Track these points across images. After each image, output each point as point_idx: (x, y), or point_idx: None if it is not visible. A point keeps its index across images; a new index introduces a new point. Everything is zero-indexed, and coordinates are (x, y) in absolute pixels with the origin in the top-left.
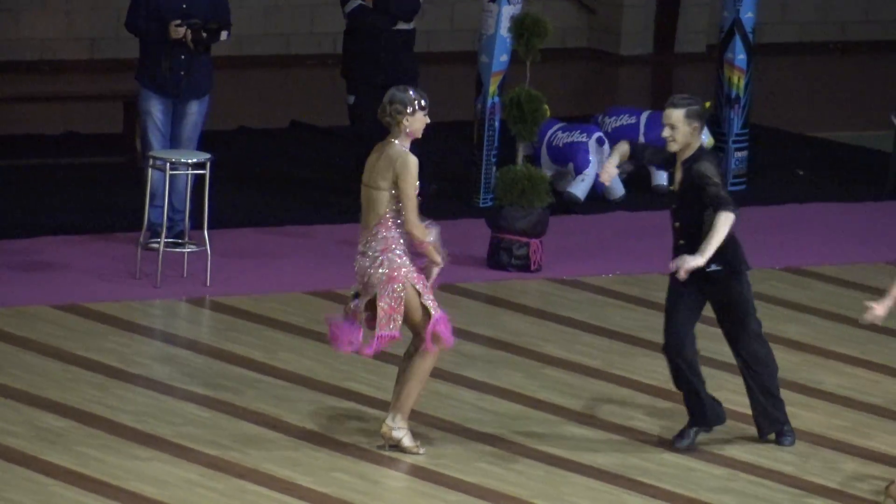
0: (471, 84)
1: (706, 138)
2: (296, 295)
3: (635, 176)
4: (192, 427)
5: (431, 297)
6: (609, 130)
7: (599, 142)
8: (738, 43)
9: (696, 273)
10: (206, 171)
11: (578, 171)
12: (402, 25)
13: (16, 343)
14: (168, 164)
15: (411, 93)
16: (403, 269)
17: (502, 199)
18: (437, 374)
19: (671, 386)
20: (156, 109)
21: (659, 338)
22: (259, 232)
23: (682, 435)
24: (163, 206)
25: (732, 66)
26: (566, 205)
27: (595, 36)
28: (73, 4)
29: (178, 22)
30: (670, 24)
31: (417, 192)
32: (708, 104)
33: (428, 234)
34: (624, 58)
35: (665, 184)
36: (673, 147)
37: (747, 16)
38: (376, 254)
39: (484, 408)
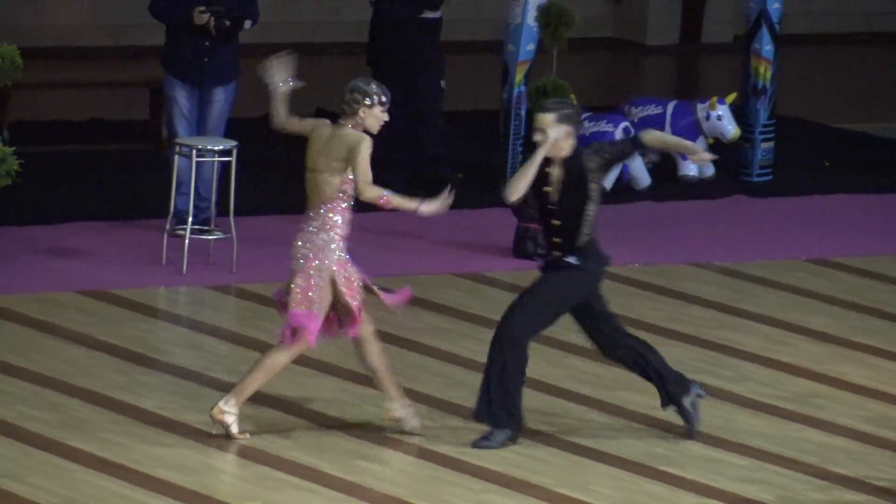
0: (497, 73)
1: (733, 129)
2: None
3: (661, 166)
4: (204, 415)
5: (355, 297)
6: (635, 120)
7: (626, 131)
8: (764, 33)
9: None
10: (233, 159)
11: None
12: (427, 14)
13: (41, 329)
14: (194, 152)
15: (373, 86)
16: (334, 257)
17: None
18: (461, 361)
19: (695, 375)
20: (181, 96)
21: (683, 326)
22: (285, 219)
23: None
24: (189, 194)
25: (759, 56)
26: None
27: (621, 25)
28: None
29: (202, 8)
30: (697, 14)
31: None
32: (734, 95)
33: (381, 190)
34: (650, 48)
35: (693, 173)
36: (550, 152)
37: (774, 6)
38: (312, 232)
39: None
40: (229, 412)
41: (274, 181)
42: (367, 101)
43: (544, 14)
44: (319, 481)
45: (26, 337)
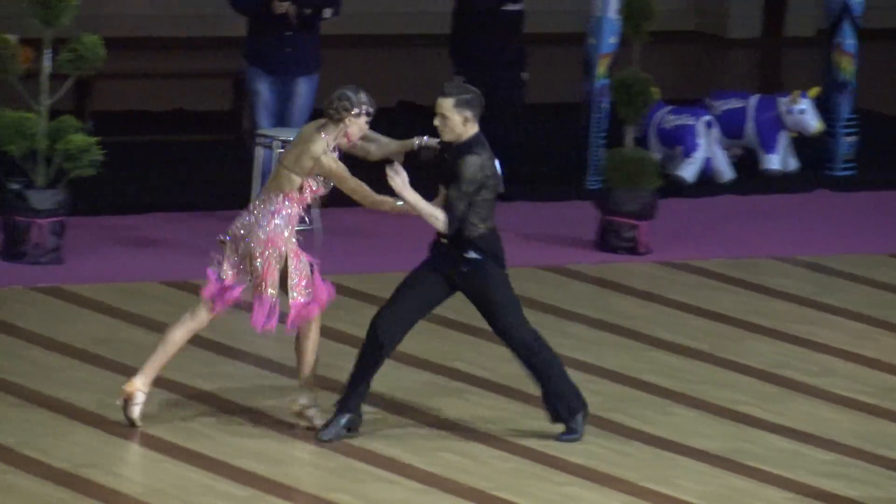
0: (579, 66)
1: (816, 123)
2: (404, 275)
3: (744, 159)
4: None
5: (302, 284)
6: (718, 114)
7: (708, 125)
8: (846, 28)
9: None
10: None
11: (687, 153)
12: (510, 6)
13: (125, 319)
14: (276, 142)
15: (363, 95)
16: (290, 243)
17: (611, 181)
18: None
19: (778, 369)
20: (263, 87)
21: (766, 320)
22: (368, 211)
23: None
24: None
25: (842, 51)
26: (675, 187)
27: (703, 19)
28: None
29: None
30: (779, 7)
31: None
32: (816, 89)
33: (391, 203)
34: (732, 41)
35: (776, 167)
36: (446, 137)
37: (856, 0)
38: (266, 213)
39: (592, 389)
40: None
41: (357, 172)
42: (355, 111)
43: (626, 7)
44: (402, 473)
45: (110, 327)
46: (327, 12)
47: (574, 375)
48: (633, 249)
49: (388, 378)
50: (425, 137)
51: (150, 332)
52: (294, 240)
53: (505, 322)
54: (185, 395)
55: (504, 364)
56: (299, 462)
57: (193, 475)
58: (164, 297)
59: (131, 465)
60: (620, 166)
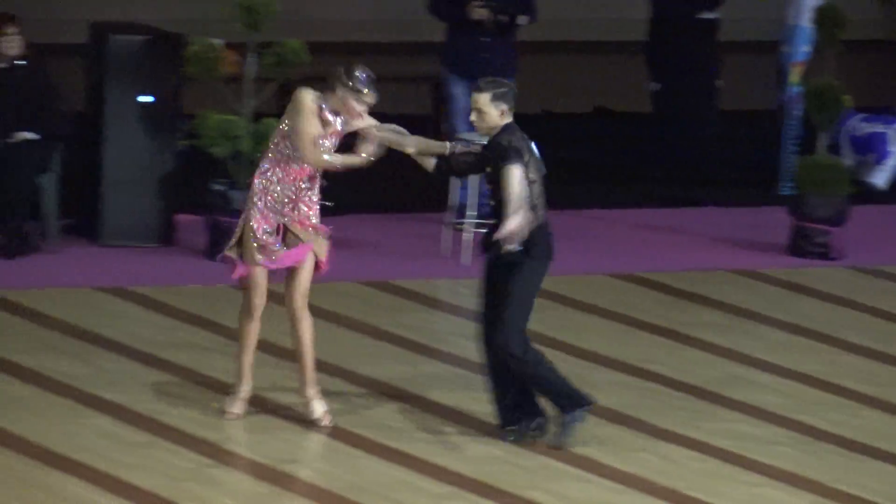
0: (772, 74)
1: None
2: (598, 277)
3: None
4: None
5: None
6: None
7: None
8: None
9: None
10: None
11: (879, 160)
12: (705, 14)
13: (325, 318)
14: (473, 146)
15: (363, 75)
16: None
17: (803, 187)
18: (737, 357)
19: None
20: (460, 93)
21: None
22: (560, 214)
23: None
24: (469, 188)
25: None
26: (867, 193)
27: (894, 27)
28: None
29: (479, 3)
30: None
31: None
32: None
33: (327, 157)
34: None
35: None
36: (482, 130)
37: None
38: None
39: (783, 392)
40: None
41: (551, 177)
42: (346, 80)
43: (820, 15)
44: (597, 471)
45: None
46: (522, 19)
47: (764, 378)
48: (824, 254)
49: (583, 378)
50: (458, 145)
51: (350, 331)
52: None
53: (505, 315)
54: (385, 393)
55: (697, 366)
56: (496, 460)
57: (393, 471)
58: (365, 297)
59: (332, 462)
60: (813, 173)
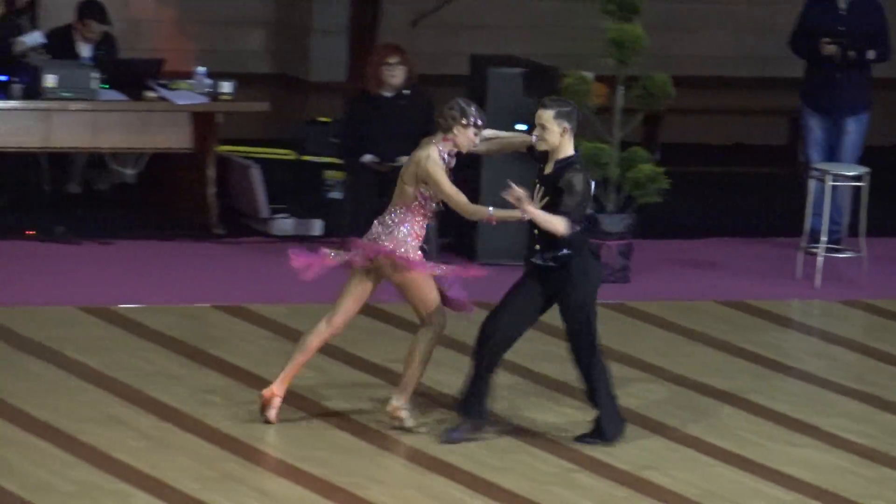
0: None
1: None
2: None
3: None
4: (843, 419)
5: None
6: None
7: None
8: None
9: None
10: (864, 184)
11: None
12: None
13: (684, 334)
14: (828, 177)
15: (473, 108)
16: (413, 251)
17: None
18: None
19: None
20: (815, 125)
21: None
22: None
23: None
24: (822, 215)
25: None
26: None
27: None
28: (744, 26)
29: (828, 40)
30: None
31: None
32: None
33: (486, 212)
34: None
35: None
36: (542, 146)
37: None
38: (392, 224)
39: None
40: (402, 408)
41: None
42: (463, 121)
43: None
44: None
45: (669, 341)
46: (871, 54)
47: None
48: None
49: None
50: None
51: (708, 348)
52: (419, 250)
53: (576, 324)
54: (737, 405)
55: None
56: (841, 470)
57: (746, 480)
58: (721, 315)
59: (689, 469)
60: None
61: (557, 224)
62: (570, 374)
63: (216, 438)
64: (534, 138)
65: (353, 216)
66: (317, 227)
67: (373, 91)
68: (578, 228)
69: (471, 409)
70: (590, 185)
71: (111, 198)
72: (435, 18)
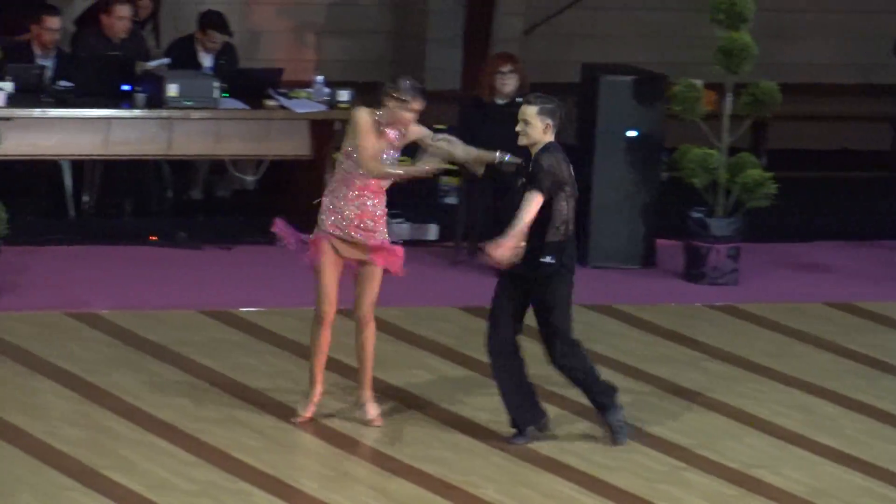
0: None
1: None
2: None
3: None
4: None
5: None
6: None
7: None
8: None
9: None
10: None
11: None
12: None
13: (793, 336)
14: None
15: (410, 85)
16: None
17: None
18: None
19: None
20: None
21: None
22: None
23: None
24: None
25: None
26: None
27: None
28: (848, 34)
29: None
30: None
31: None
32: None
33: (389, 169)
34: None
35: None
36: (523, 141)
37: None
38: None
39: None
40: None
41: None
42: (394, 93)
43: None
44: None
45: (779, 343)
46: None
47: None
48: None
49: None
50: (507, 155)
51: (816, 349)
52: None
53: (556, 324)
54: (844, 405)
55: None
56: None
57: (854, 478)
58: (830, 317)
59: (800, 469)
60: None
61: (530, 208)
62: (680, 375)
63: (334, 438)
64: (498, 156)
65: (468, 221)
66: (432, 231)
67: (486, 99)
68: (562, 238)
69: (524, 421)
70: (561, 166)
71: (232, 204)
72: (547, 28)
